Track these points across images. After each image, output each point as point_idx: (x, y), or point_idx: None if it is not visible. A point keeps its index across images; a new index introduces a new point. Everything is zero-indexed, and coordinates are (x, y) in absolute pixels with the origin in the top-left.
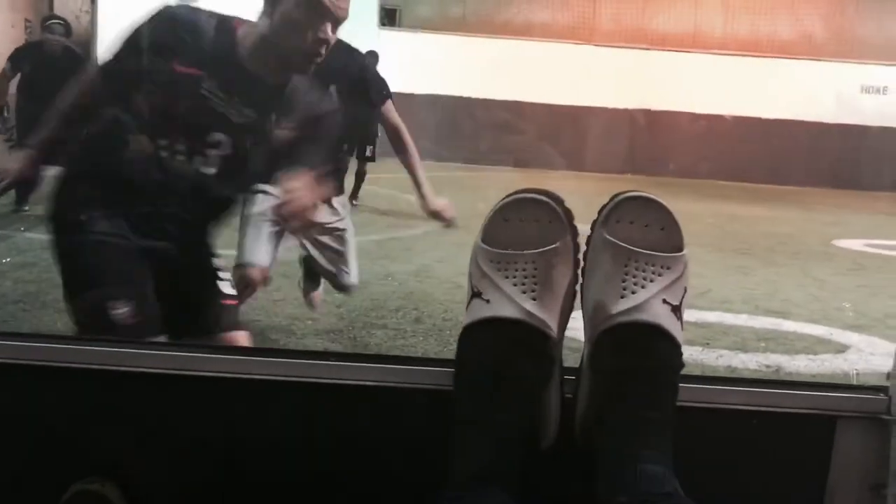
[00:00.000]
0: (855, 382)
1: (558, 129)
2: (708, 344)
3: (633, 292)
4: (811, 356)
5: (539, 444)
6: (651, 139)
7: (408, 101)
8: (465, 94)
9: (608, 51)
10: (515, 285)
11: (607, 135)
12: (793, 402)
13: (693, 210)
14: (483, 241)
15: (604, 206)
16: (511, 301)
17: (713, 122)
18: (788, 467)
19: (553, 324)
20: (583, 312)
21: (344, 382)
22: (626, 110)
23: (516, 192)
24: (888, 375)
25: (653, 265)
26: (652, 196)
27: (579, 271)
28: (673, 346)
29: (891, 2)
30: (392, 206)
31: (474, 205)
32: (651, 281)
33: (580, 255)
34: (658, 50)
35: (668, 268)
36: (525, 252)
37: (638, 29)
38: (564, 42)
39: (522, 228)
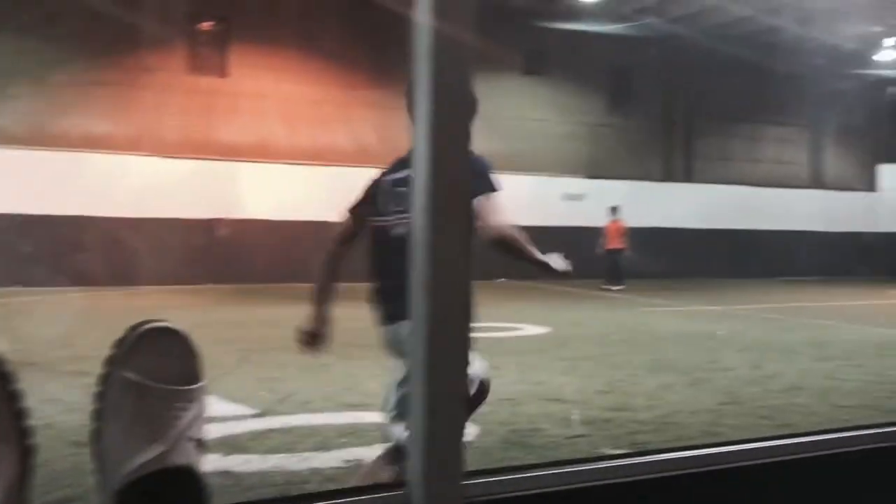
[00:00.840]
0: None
1: (127, 243)
2: (291, 449)
3: (163, 434)
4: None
5: None
6: (229, 247)
7: None
8: (21, 212)
9: (176, 162)
10: None
11: (183, 246)
12: None
13: (272, 315)
14: None
15: (120, 341)
16: None
17: (286, 228)
18: None
19: None
20: (98, 464)
21: None
22: (199, 220)
23: None
24: (404, 469)
25: (178, 401)
26: (171, 326)
27: (19, 424)
28: (203, 486)
29: None
30: None
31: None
32: (177, 419)
33: (21, 405)
34: (227, 160)
35: (192, 401)
36: None
37: (205, 140)
38: (129, 154)
39: None
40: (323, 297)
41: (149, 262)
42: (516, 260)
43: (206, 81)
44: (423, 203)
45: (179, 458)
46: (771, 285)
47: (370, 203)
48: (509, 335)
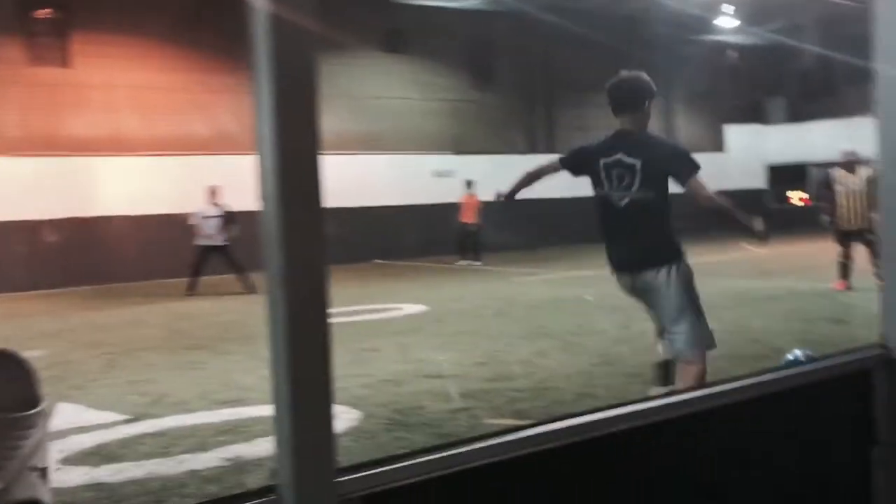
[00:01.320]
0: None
1: None
2: (167, 452)
3: (2, 468)
4: (269, 438)
5: None
6: (88, 246)
7: None
8: None
9: (21, 161)
10: None
11: (34, 249)
12: None
13: (137, 314)
14: None
15: None
16: None
17: (146, 222)
18: None
19: None
20: None
21: None
22: (51, 221)
23: None
24: (272, 473)
25: (15, 429)
26: (5, 348)
27: None
28: None
29: None
30: None
31: None
32: (16, 449)
33: None
34: (77, 156)
35: (32, 427)
36: None
37: (52, 135)
38: None
39: None
40: (521, 185)
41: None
42: (729, 223)
43: (48, 73)
44: (272, 191)
45: (22, 493)
46: None
47: (575, 166)
48: (387, 316)
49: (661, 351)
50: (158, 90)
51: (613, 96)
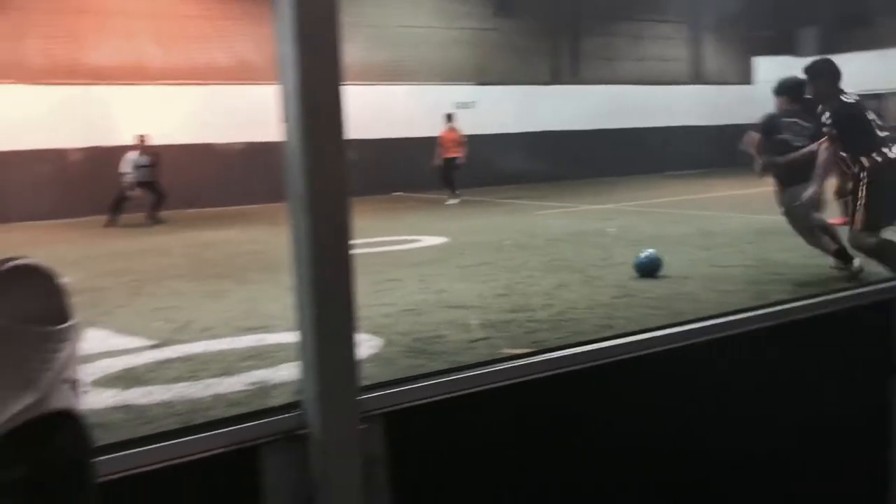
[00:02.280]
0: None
1: (4, 177)
2: (194, 376)
3: (37, 379)
4: (292, 364)
5: None
6: (110, 176)
7: None
8: None
9: (45, 89)
10: None
11: (57, 178)
12: (210, 444)
13: (163, 243)
14: None
15: None
16: None
17: (168, 152)
18: None
19: None
20: None
21: None
22: (74, 150)
23: None
24: (298, 389)
25: (49, 342)
26: (34, 263)
27: None
28: (84, 429)
29: None
30: None
31: None
32: (51, 361)
33: None
34: (99, 84)
35: (65, 340)
36: None
37: (73, 64)
38: None
39: None
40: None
41: (22, 197)
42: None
43: (72, 0)
44: (295, 118)
45: (57, 403)
46: (657, 181)
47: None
48: (408, 247)
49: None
50: (179, 17)
51: None
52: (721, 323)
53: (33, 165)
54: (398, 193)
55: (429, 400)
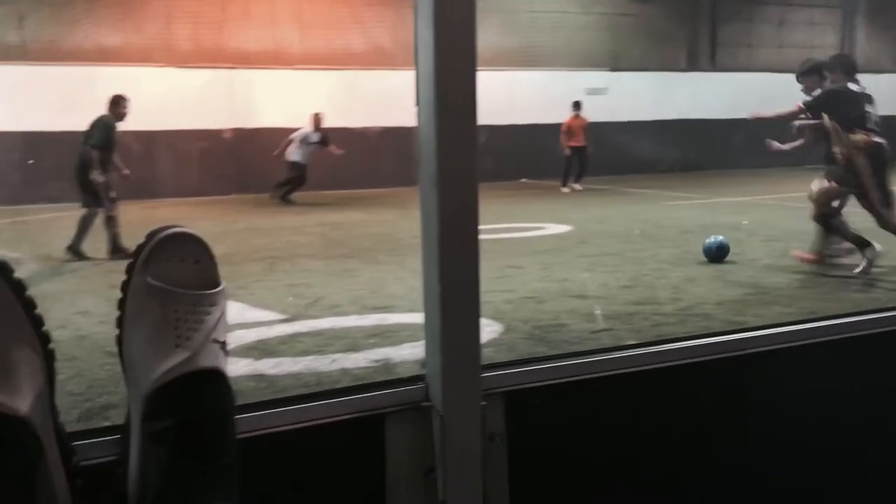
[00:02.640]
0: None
1: (152, 155)
2: (321, 351)
3: (188, 338)
4: (414, 343)
5: None
6: (252, 156)
7: None
8: (38, 129)
9: (191, 72)
10: None
11: (203, 157)
12: (339, 409)
13: (297, 222)
14: None
15: (141, 248)
16: None
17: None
18: (345, 473)
19: (18, 401)
20: (125, 368)
21: None
22: (217, 131)
23: None
24: (423, 364)
25: (200, 305)
26: (189, 231)
27: (37, 330)
28: (228, 387)
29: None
30: None
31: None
32: (201, 323)
33: (37, 311)
34: (241, 68)
35: (214, 304)
36: None
37: (218, 49)
38: (142, 66)
39: None
40: None
41: (169, 175)
42: None
43: None
44: (429, 96)
45: (206, 362)
46: (797, 174)
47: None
48: (532, 235)
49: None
50: (318, 4)
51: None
52: (846, 323)
53: (180, 145)
54: (524, 180)
55: (550, 382)
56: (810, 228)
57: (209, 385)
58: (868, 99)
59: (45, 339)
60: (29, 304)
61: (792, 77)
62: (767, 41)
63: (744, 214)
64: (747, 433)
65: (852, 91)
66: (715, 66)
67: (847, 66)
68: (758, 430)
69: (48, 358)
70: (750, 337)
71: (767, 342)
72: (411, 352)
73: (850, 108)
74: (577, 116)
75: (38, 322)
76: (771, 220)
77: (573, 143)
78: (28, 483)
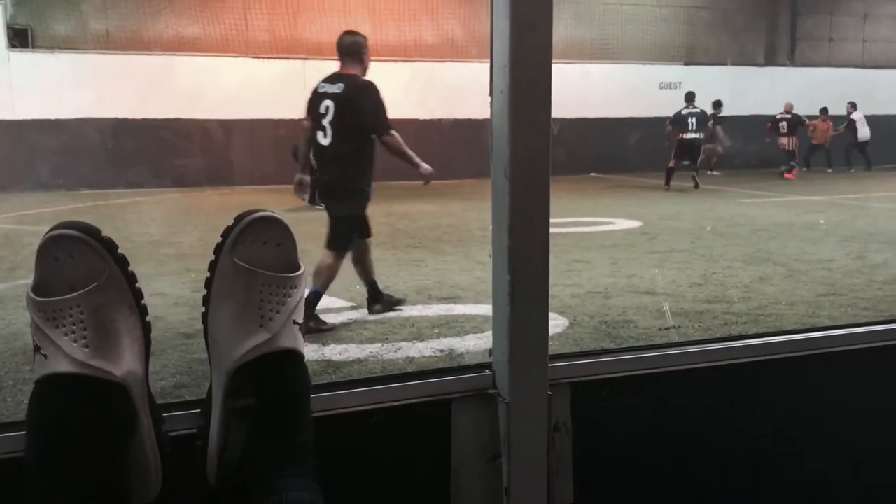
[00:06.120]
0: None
1: (226, 144)
2: (387, 339)
3: (271, 319)
4: (479, 335)
5: (136, 500)
6: None
7: (55, 127)
8: (120, 115)
9: (266, 63)
10: (67, 335)
11: (279, 146)
12: (408, 393)
13: (370, 211)
14: (33, 290)
15: (229, 229)
16: (64, 354)
17: None
18: (412, 454)
19: (119, 368)
20: (209, 344)
21: None
22: (291, 120)
23: (52, 229)
24: (490, 352)
25: (283, 287)
26: (275, 215)
27: (138, 302)
28: (305, 367)
29: None
30: None
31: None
32: (283, 304)
33: (138, 285)
34: (314, 59)
35: (295, 287)
36: (69, 296)
37: (292, 39)
38: (219, 56)
39: (66, 268)
40: None
41: (244, 163)
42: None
43: None
44: (503, 86)
45: (287, 342)
46: (878, 173)
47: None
48: (601, 229)
49: None
50: None
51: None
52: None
53: (254, 133)
54: (594, 174)
55: (616, 374)
56: (891, 228)
57: (289, 365)
58: None
59: (144, 311)
60: (132, 278)
61: (876, 73)
62: (850, 35)
63: (821, 213)
64: (824, 433)
65: None
66: (794, 60)
67: None
68: (838, 433)
69: (146, 329)
70: (824, 336)
71: (845, 342)
72: (476, 343)
73: None
74: (824, 119)
75: (138, 295)
76: (849, 219)
77: (816, 142)
78: (123, 446)
